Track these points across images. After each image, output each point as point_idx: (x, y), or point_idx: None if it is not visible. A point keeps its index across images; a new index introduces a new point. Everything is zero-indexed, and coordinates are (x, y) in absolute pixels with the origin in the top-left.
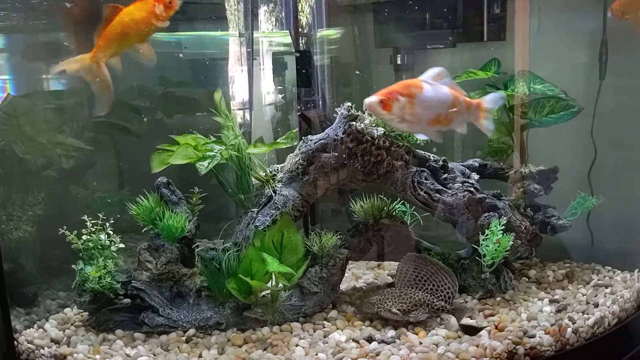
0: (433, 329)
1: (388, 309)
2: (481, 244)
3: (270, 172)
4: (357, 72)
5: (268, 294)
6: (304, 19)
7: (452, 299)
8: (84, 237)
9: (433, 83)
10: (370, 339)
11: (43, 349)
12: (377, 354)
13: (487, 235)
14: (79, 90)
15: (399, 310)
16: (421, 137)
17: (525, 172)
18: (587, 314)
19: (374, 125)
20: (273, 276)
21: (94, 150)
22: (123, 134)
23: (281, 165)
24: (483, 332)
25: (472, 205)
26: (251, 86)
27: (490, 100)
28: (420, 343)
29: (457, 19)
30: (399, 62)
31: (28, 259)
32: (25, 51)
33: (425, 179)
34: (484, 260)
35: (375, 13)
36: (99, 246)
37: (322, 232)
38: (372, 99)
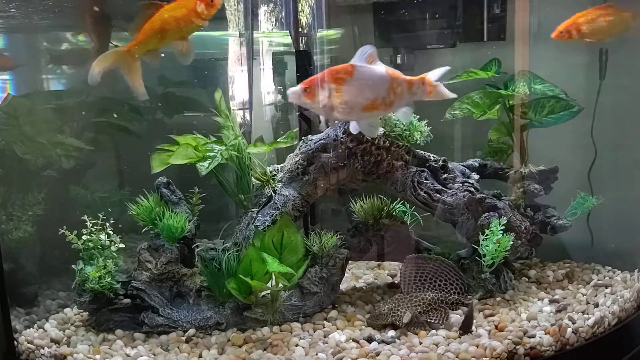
0: (433, 329)
1: (402, 316)
2: (481, 244)
3: (270, 172)
4: None
5: (268, 294)
6: (304, 19)
7: (463, 291)
8: (84, 237)
9: (366, 66)
10: (370, 339)
11: (43, 349)
12: (377, 354)
13: (487, 235)
14: (79, 90)
15: (413, 314)
16: (353, 126)
17: (525, 172)
18: (587, 314)
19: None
20: (273, 276)
21: (94, 150)
22: (123, 134)
23: (281, 165)
24: (482, 332)
25: (472, 205)
26: (251, 86)
27: (436, 73)
28: (420, 343)
29: (457, 19)
30: (399, 62)
31: (28, 259)
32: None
33: (425, 179)
34: (484, 260)
35: (375, 13)
36: (99, 246)
37: (322, 232)
38: (294, 88)
